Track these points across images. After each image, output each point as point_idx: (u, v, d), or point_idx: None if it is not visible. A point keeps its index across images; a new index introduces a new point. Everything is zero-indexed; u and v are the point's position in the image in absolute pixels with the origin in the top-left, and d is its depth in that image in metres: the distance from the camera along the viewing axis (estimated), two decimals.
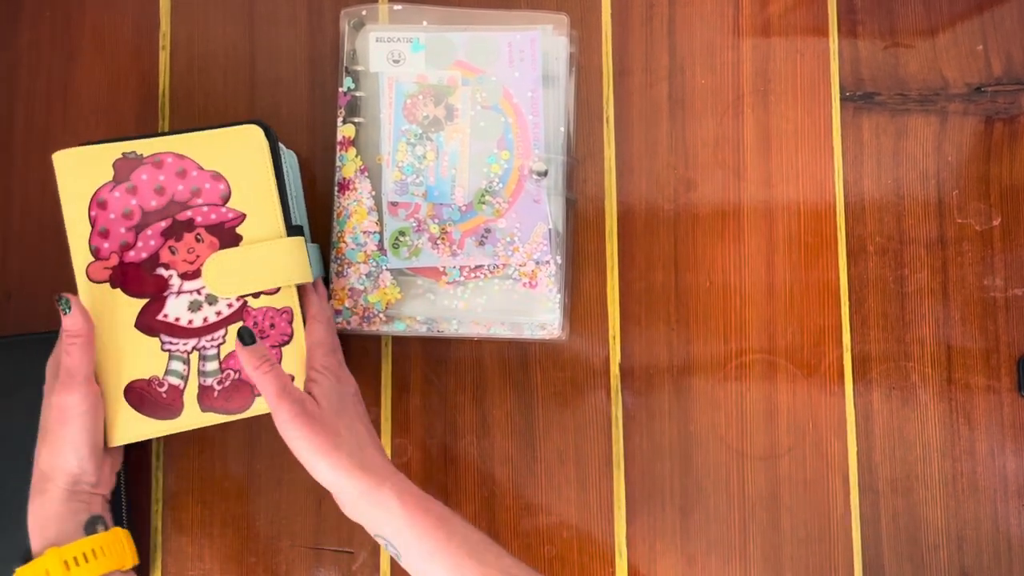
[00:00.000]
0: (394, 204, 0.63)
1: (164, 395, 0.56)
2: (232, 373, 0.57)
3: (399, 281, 0.63)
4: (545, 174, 0.63)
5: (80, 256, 0.56)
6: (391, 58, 0.64)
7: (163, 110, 0.68)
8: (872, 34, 0.68)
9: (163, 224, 0.56)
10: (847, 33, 0.68)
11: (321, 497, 0.65)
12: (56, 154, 0.55)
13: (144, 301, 0.56)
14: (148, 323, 0.56)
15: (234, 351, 0.57)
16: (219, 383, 0.57)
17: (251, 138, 0.57)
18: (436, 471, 0.65)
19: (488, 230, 0.63)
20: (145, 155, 0.56)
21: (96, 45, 0.68)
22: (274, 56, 0.68)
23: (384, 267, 0.63)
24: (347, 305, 0.63)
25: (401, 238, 0.63)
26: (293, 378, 0.56)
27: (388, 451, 0.65)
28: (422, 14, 0.65)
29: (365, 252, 0.63)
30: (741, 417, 0.65)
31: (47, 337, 0.62)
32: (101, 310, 0.56)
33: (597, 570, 0.64)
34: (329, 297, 0.62)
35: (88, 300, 0.56)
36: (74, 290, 0.56)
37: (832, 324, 0.66)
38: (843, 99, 0.68)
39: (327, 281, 0.63)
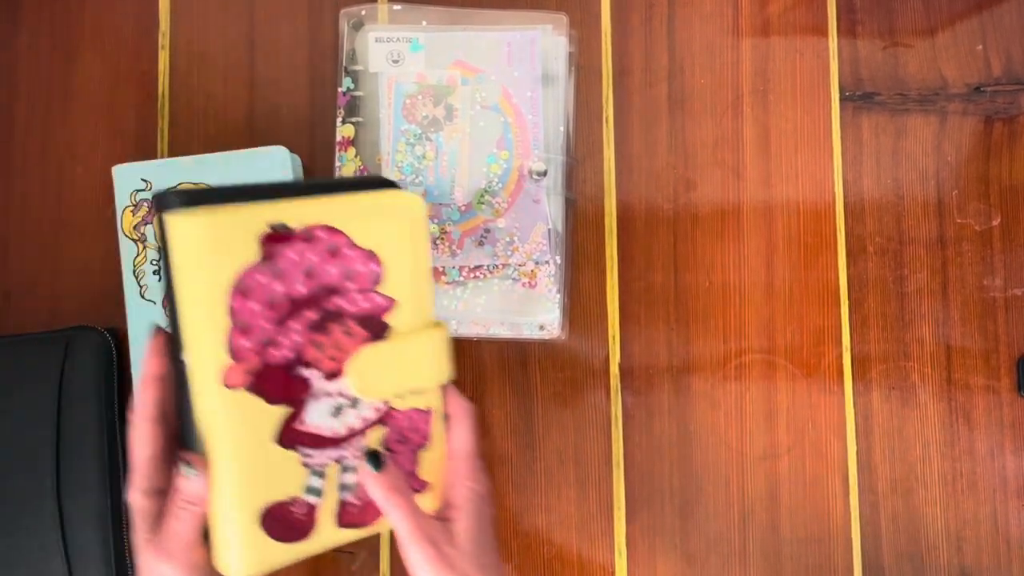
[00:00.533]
0: None
1: (301, 516, 0.46)
2: None
3: None
4: (544, 174, 0.63)
5: (212, 357, 0.42)
6: (390, 58, 0.64)
7: (163, 110, 0.68)
8: (872, 34, 0.68)
9: (311, 315, 0.45)
10: (846, 33, 0.68)
11: None
12: (180, 220, 0.41)
13: (285, 409, 0.45)
14: (288, 434, 0.45)
15: None
16: (358, 498, 0.47)
17: (409, 208, 0.47)
18: None
19: (487, 230, 0.63)
20: (294, 226, 0.44)
21: (96, 45, 0.68)
22: (274, 56, 0.68)
23: None
24: None
25: None
26: (427, 485, 0.49)
27: None
28: (421, 14, 0.65)
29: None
30: (741, 417, 0.65)
31: (47, 337, 0.62)
32: (238, 423, 0.43)
33: (597, 570, 0.64)
34: None
35: (221, 412, 0.43)
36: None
37: (832, 324, 0.66)
38: (843, 99, 0.68)
39: None
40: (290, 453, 0.45)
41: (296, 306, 0.44)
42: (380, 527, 0.49)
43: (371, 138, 0.64)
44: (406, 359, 0.48)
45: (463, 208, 0.64)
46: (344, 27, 0.65)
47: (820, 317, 0.66)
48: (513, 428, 0.65)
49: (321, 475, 0.46)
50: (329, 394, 0.46)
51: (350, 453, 0.47)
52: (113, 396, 0.62)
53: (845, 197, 0.67)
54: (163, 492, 0.44)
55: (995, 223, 0.67)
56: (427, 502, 0.49)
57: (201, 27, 0.68)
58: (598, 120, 0.67)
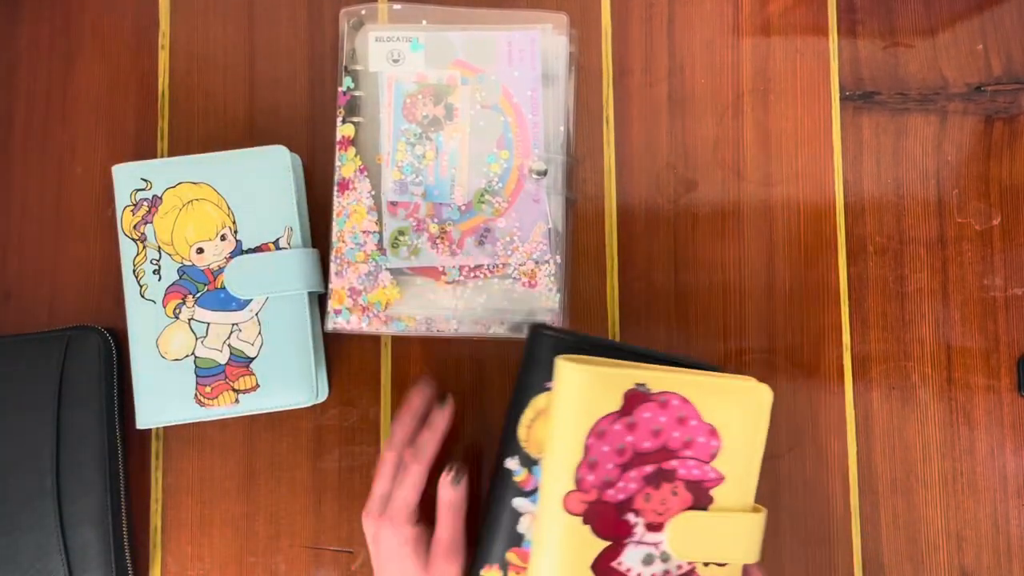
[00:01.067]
0: (393, 204, 0.63)
1: None
2: None
3: (399, 281, 0.63)
4: (545, 173, 0.63)
5: (560, 482, 0.51)
6: (390, 57, 0.64)
7: (163, 110, 0.68)
8: (872, 33, 0.68)
9: (648, 469, 0.52)
10: (847, 32, 0.68)
11: (321, 497, 0.65)
12: (565, 366, 0.51)
13: (606, 544, 0.51)
14: (603, 568, 0.51)
15: None
16: None
17: (758, 398, 0.53)
18: (436, 472, 0.65)
19: (488, 230, 0.63)
20: (653, 390, 0.52)
21: (96, 45, 0.68)
22: (274, 56, 0.68)
23: (384, 267, 0.63)
24: (346, 305, 0.63)
25: (400, 238, 0.63)
26: None
27: None
28: (421, 13, 0.65)
29: (364, 252, 0.63)
30: None
31: (47, 337, 0.62)
32: (565, 544, 0.51)
33: None
34: (328, 298, 0.62)
35: (555, 530, 0.51)
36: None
37: (832, 324, 0.66)
38: (843, 99, 0.68)
39: (326, 281, 0.63)
40: None
41: (639, 458, 0.52)
42: None
43: (371, 137, 0.64)
44: (722, 532, 0.53)
45: (463, 208, 0.64)
46: (344, 26, 0.65)
47: (820, 317, 0.66)
48: None
49: None
50: (646, 543, 0.52)
51: None
52: (113, 396, 0.62)
53: (845, 197, 0.67)
54: (418, 521, 0.55)
55: (995, 223, 0.67)
56: None
57: (201, 27, 0.68)
58: (598, 120, 0.67)
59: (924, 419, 0.65)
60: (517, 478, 0.55)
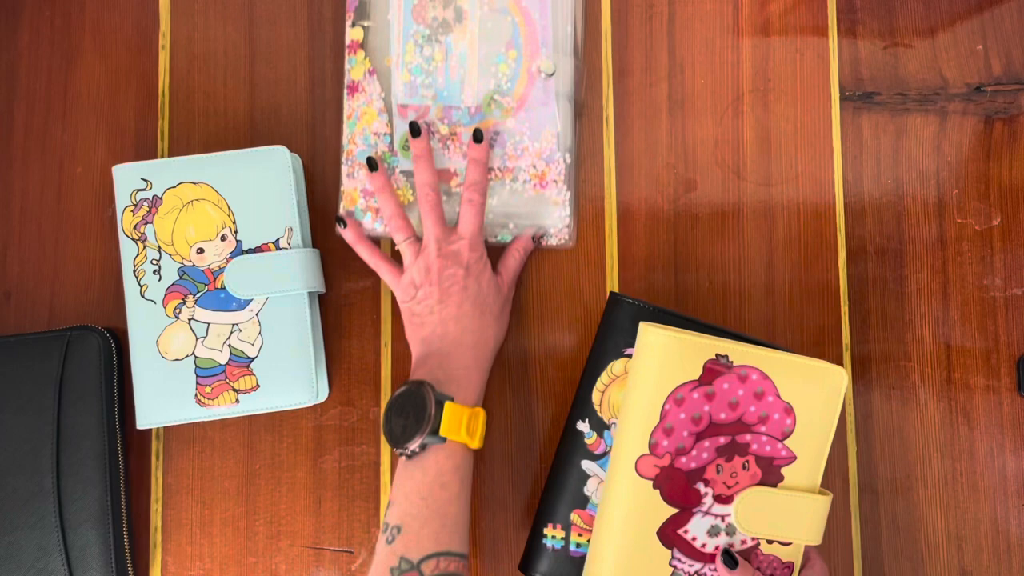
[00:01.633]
0: (404, 106, 0.64)
1: None
2: None
3: (410, 182, 0.64)
4: (553, 74, 0.63)
5: (636, 444, 0.52)
6: None
7: (163, 110, 0.68)
8: (872, 34, 0.68)
9: (722, 440, 0.53)
10: (847, 33, 0.68)
11: (321, 497, 0.65)
12: (652, 331, 0.52)
13: (674, 511, 0.52)
14: (669, 534, 0.52)
15: None
16: None
17: (834, 380, 0.54)
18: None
19: (497, 132, 0.64)
20: (735, 363, 0.53)
21: (96, 45, 0.68)
22: (274, 56, 0.68)
23: (396, 168, 0.63)
24: (359, 206, 0.63)
25: None
26: None
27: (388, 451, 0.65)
28: None
29: (376, 153, 0.63)
30: None
31: (47, 337, 0.62)
32: (634, 507, 0.52)
33: None
34: (339, 200, 0.63)
35: (626, 492, 0.52)
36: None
37: (832, 324, 0.66)
38: (843, 99, 0.68)
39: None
40: (665, 551, 0.52)
41: (714, 428, 0.53)
42: None
43: (380, 41, 0.64)
44: (788, 511, 0.53)
45: (473, 110, 0.64)
46: None
47: (820, 317, 0.66)
48: (513, 428, 0.65)
49: None
50: (713, 514, 0.53)
51: (710, 572, 0.53)
52: (113, 396, 0.62)
53: (845, 197, 0.67)
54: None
55: (995, 223, 0.67)
56: None
57: (201, 27, 0.68)
58: (598, 120, 0.67)
59: (924, 419, 0.65)
60: (588, 441, 0.56)
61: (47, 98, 0.68)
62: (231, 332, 0.61)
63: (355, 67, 0.64)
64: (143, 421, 0.61)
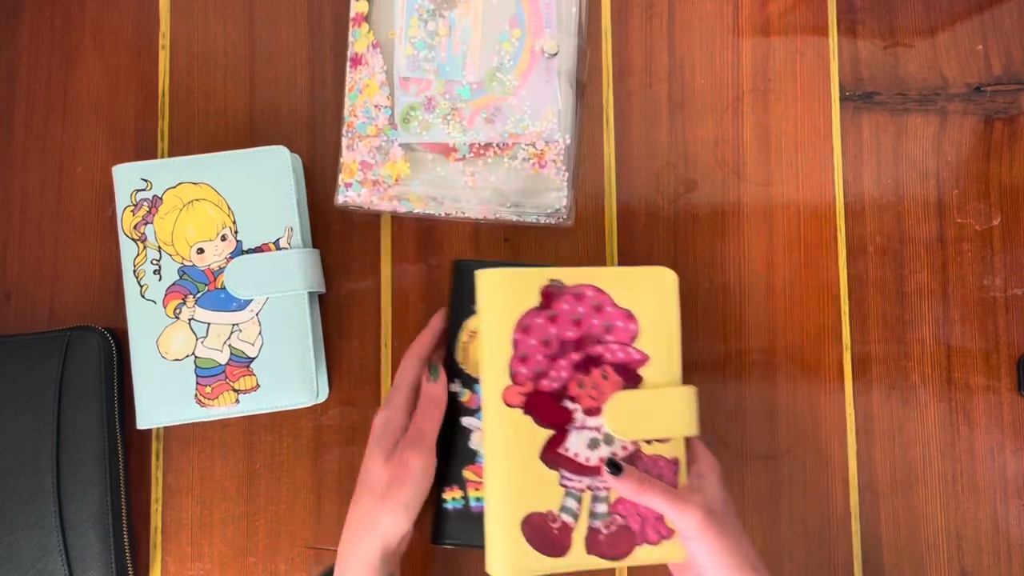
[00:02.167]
0: (406, 79, 0.64)
1: (556, 532, 0.54)
2: (619, 518, 0.55)
3: (409, 156, 0.63)
4: (556, 54, 0.63)
5: (498, 379, 0.54)
6: None
7: (163, 110, 0.68)
8: (872, 34, 0.68)
9: (575, 356, 0.55)
10: (847, 33, 0.68)
11: (321, 497, 0.65)
12: (481, 272, 0.56)
13: (550, 432, 0.55)
14: (551, 455, 0.55)
15: (622, 496, 0.55)
16: (606, 527, 0.55)
17: (664, 280, 0.57)
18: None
19: (498, 108, 0.64)
20: (568, 284, 0.56)
21: (96, 45, 0.68)
22: (274, 56, 0.68)
23: (395, 141, 0.63)
24: (357, 178, 0.63)
25: (412, 113, 0.63)
26: (672, 533, 0.55)
27: None
28: None
29: (376, 126, 0.63)
30: (741, 417, 0.65)
31: (47, 337, 0.62)
32: (511, 436, 0.54)
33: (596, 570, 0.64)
34: (339, 172, 0.63)
35: (500, 424, 0.54)
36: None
37: (832, 324, 0.66)
38: (843, 99, 0.68)
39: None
40: (551, 472, 0.54)
41: (564, 347, 0.55)
42: (624, 562, 0.55)
43: (384, 15, 0.64)
44: (656, 408, 0.56)
45: (475, 85, 0.64)
46: None
47: (820, 317, 0.66)
48: None
49: (577, 499, 0.54)
50: (588, 428, 0.55)
51: (600, 484, 0.55)
52: (113, 396, 0.62)
53: (845, 197, 0.67)
54: (408, 411, 0.57)
55: (995, 223, 0.67)
56: (672, 551, 0.55)
57: (201, 27, 0.68)
58: (599, 120, 0.67)
59: (924, 419, 0.65)
60: (462, 399, 0.58)
61: (47, 98, 0.68)
62: (231, 332, 0.61)
63: (359, 40, 0.64)
64: (143, 421, 0.61)
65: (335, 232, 0.66)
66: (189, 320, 0.61)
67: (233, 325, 0.61)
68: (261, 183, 0.62)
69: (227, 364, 0.61)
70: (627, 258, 0.66)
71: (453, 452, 0.58)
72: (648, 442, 0.55)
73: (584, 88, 0.66)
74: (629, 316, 0.56)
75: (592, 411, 0.55)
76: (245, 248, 0.62)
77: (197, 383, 0.61)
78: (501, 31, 0.64)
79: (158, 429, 0.65)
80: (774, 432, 0.65)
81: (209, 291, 0.61)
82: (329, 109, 0.67)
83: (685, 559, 0.55)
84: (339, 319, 0.66)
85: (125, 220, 0.62)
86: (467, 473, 0.58)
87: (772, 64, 0.68)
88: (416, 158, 0.64)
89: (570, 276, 0.56)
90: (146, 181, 0.62)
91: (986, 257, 0.66)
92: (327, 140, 0.66)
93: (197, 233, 0.62)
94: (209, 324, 0.61)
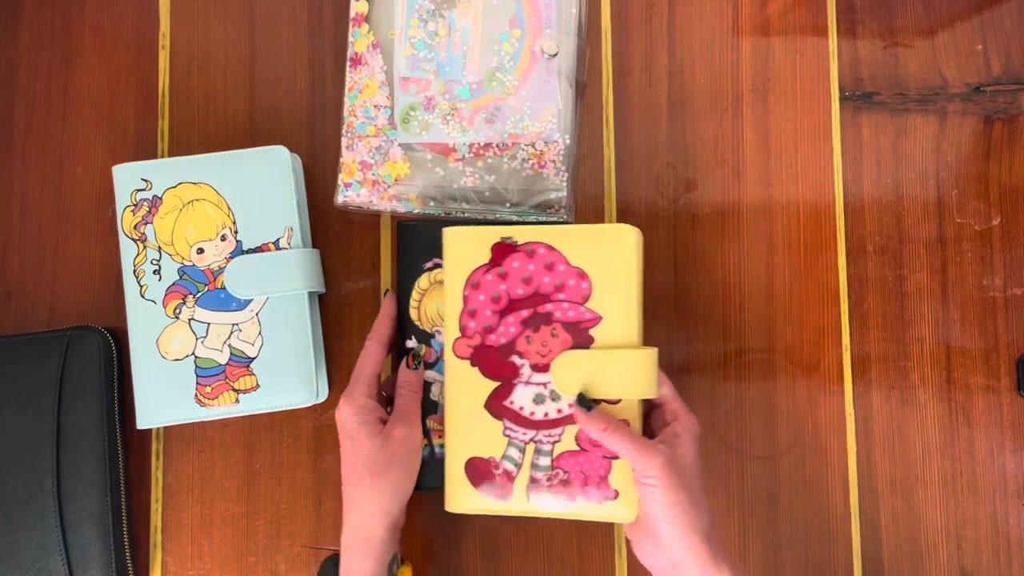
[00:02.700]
0: (405, 79, 0.64)
1: (497, 477, 0.57)
2: (561, 473, 0.56)
3: (409, 156, 0.64)
4: (556, 54, 0.63)
5: (450, 331, 0.58)
6: None
7: (163, 110, 0.68)
8: (871, 34, 0.68)
9: (524, 313, 0.57)
10: (846, 33, 0.68)
11: (321, 497, 0.65)
12: (446, 230, 0.58)
13: (496, 384, 0.57)
14: (496, 406, 0.57)
15: (566, 452, 0.56)
16: (548, 479, 0.56)
17: (622, 238, 0.56)
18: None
19: (498, 108, 0.64)
20: (520, 242, 0.57)
21: (96, 45, 0.68)
22: (274, 56, 0.68)
23: (394, 141, 0.63)
24: (357, 178, 0.63)
25: (412, 113, 0.63)
26: (617, 493, 0.56)
27: None
28: None
29: (376, 126, 0.63)
30: (741, 417, 0.65)
31: (47, 337, 0.62)
32: (459, 384, 0.57)
33: (597, 570, 0.64)
34: (338, 172, 0.63)
35: (452, 373, 0.57)
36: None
37: (832, 324, 0.66)
38: (843, 99, 0.68)
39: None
40: (495, 422, 0.57)
41: (514, 304, 0.57)
42: (566, 514, 0.56)
43: (384, 14, 0.64)
44: (605, 369, 0.55)
45: (475, 85, 0.64)
46: None
47: (820, 317, 0.66)
48: None
49: (520, 449, 0.57)
50: (534, 383, 0.57)
51: (544, 438, 0.56)
52: (113, 396, 0.62)
53: (845, 197, 0.67)
54: (376, 397, 0.58)
55: (995, 223, 0.67)
56: (617, 511, 0.56)
57: (201, 27, 0.68)
58: (599, 120, 0.67)
59: (924, 419, 0.65)
60: (420, 353, 0.61)
61: (47, 98, 0.68)
62: (231, 332, 0.61)
63: (359, 40, 0.64)
64: (143, 421, 0.61)
65: (335, 232, 0.66)
66: (189, 320, 0.61)
67: (233, 325, 0.61)
68: (261, 183, 0.62)
69: (227, 364, 0.61)
70: None
71: None
72: (596, 402, 0.55)
73: (584, 88, 0.66)
74: (582, 275, 0.56)
75: (540, 367, 0.57)
76: (245, 248, 0.62)
77: (197, 383, 0.61)
78: (501, 31, 0.64)
79: (158, 429, 0.65)
80: (774, 432, 0.65)
81: (209, 291, 0.61)
82: (329, 109, 0.67)
83: (632, 519, 0.55)
84: (339, 319, 0.66)
85: (125, 220, 0.62)
86: (430, 423, 0.61)
87: (772, 64, 0.68)
88: (416, 158, 0.64)
89: (524, 233, 0.57)
90: (146, 181, 0.62)
91: (986, 257, 0.66)
92: (327, 140, 0.66)
93: (197, 233, 0.62)
94: (209, 324, 0.61)
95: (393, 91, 0.64)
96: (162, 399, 0.61)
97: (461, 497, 0.57)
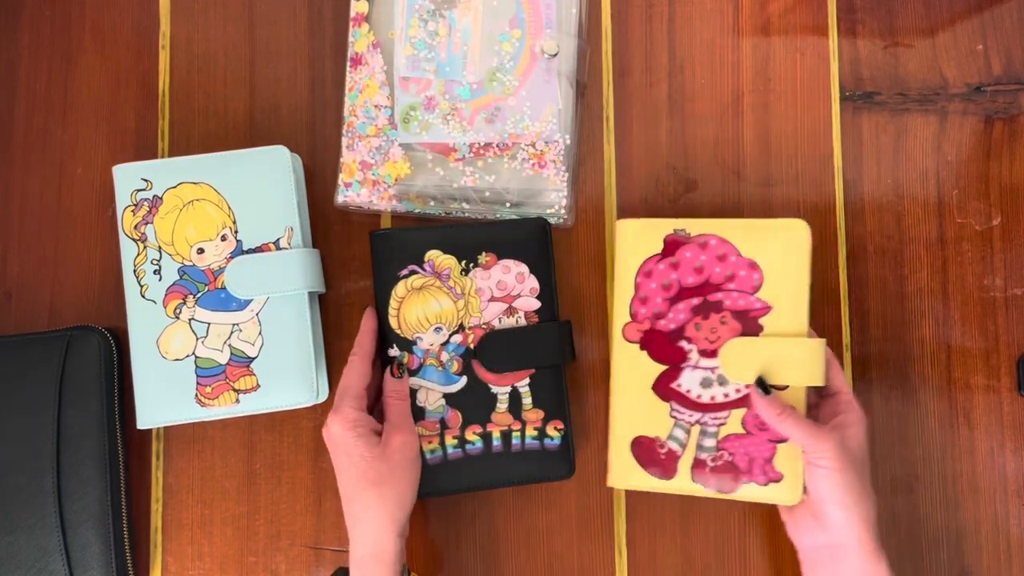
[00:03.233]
0: (406, 79, 0.64)
1: (662, 456, 0.59)
2: (726, 454, 0.58)
3: (409, 156, 0.64)
4: (556, 54, 0.63)
5: (620, 316, 0.61)
6: None
7: (163, 110, 0.68)
8: (872, 33, 0.68)
9: (695, 301, 0.59)
10: (847, 33, 0.68)
11: (321, 497, 0.65)
12: (619, 221, 0.62)
13: (663, 368, 0.60)
14: (663, 389, 0.60)
15: (732, 434, 0.58)
16: (712, 460, 0.59)
17: (795, 232, 0.59)
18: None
19: (498, 108, 0.64)
20: (693, 234, 0.60)
21: (96, 45, 0.68)
22: (274, 56, 0.68)
23: (395, 141, 0.63)
24: (357, 178, 0.63)
25: (412, 113, 0.64)
26: (781, 476, 0.58)
27: None
28: None
29: (376, 126, 0.63)
30: None
31: (47, 337, 0.62)
32: (628, 367, 0.60)
33: (598, 569, 0.64)
34: (339, 172, 0.63)
35: (621, 356, 0.61)
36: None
37: (832, 324, 0.66)
38: (843, 99, 0.68)
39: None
40: (663, 404, 0.60)
41: (684, 292, 0.60)
42: (730, 495, 0.58)
43: (385, 14, 0.64)
44: (771, 356, 0.58)
45: (475, 85, 0.64)
46: None
47: (820, 317, 0.66)
48: None
49: (686, 431, 0.59)
50: (702, 368, 0.59)
51: (710, 420, 0.59)
52: (113, 396, 0.62)
53: (845, 197, 0.67)
54: (366, 410, 0.58)
55: (995, 223, 0.67)
56: (781, 493, 0.58)
57: (201, 27, 0.68)
58: (599, 120, 0.67)
59: (924, 419, 0.65)
60: (403, 360, 0.61)
61: (47, 98, 0.68)
62: (231, 332, 0.61)
63: (359, 40, 0.64)
64: (143, 421, 0.61)
65: (335, 232, 0.66)
66: (189, 320, 0.61)
67: (233, 325, 0.61)
68: (261, 183, 0.62)
69: (227, 364, 0.61)
70: None
71: None
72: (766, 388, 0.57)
73: (584, 88, 0.66)
74: (753, 265, 0.59)
75: (708, 353, 0.59)
76: (245, 248, 0.62)
77: (197, 383, 0.61)
78: (501, 31, 0.64)
79: (158, 429, 0.65)
80: None
81: (209, 291, 0.61)
82: (329, 109, 0.67)
83: (796, 502, 0.57)
84: (339, 319, 0.66)
85: (125, 220, 0.62)
86: (419, 428, 0.61)
87: (772, 64, 0.68)
88: (416, 158, 0.64)
89: (696, 225, 0.60)
90: (146, 181, 0.62)
91: (986, 257, 0.66)
92: (327, 140, 0.66)
93: (197, 233, 0.62)
94: (209, 324, 0.61)
95: (393, 91, 0.64)
96: (162, 399, 0.61)
97: (627, 474, 0.60)
